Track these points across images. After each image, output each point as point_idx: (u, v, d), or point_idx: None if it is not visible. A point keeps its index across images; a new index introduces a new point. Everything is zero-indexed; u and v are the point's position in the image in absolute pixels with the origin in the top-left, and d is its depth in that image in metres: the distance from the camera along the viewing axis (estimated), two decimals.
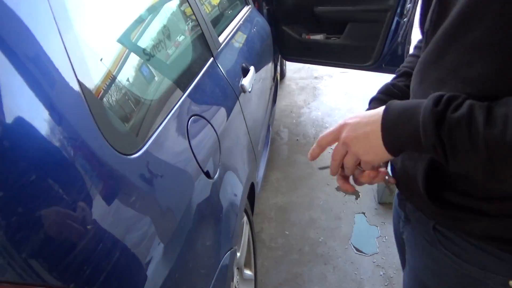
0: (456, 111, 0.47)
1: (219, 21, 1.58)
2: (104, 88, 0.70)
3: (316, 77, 3.82)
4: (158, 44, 0.98)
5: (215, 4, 1.68)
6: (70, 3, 0.65)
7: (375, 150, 0.56)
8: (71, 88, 0.59)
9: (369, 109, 0.75)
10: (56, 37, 0.59)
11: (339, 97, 3.29)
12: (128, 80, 0.80)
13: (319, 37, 2.61)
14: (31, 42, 0.55)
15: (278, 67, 2.90)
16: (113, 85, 0.74)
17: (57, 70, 0.57)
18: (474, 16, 0.48)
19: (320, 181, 2.29)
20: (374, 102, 0.77)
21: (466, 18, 0.49)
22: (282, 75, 3.73)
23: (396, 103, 0.54)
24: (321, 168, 0.76)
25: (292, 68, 4.00)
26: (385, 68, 2.33)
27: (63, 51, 0.59)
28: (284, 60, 3.47)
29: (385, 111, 0.54)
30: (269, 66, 2.13)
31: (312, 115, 3.13)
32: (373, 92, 0.79)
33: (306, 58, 2.78)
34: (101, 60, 0.72)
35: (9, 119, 0.48)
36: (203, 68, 1.13)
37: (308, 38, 2.63)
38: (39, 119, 0.52)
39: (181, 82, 0.99)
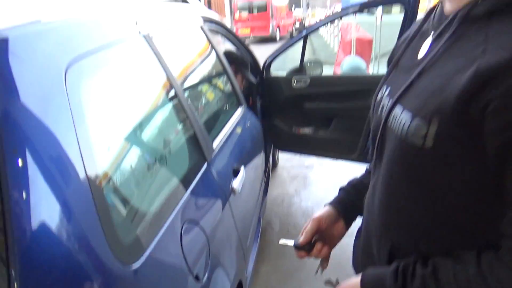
0: (412, 282, 0.61)
1: (214, 126, 1.76)
2: (112, 200, 0.83)
3: (307, 166, 3.99)
4: (158, 155, 1.13)
5: (212, 109, 1.87)
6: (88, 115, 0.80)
7: None
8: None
9: (337, 195, 0.94)
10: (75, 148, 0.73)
11: (329, 187, 3.43)
12: (132, 190, 0.93)
13: (308, 130, 2.83)
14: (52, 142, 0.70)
15: (271, 158, 3.07)
16: (121, 196, 0.87)
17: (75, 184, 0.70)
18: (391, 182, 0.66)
19: (310, 274, 2.31)
20: (341, 191, 0.94)
21: (388, 182, 0.65)
22: (275, 164, 3.90)
23: (368, 279, 0.69)
24: (283, 243, 0.89)
25: (285, 157, 4.19)
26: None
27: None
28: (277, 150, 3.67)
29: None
30: (260, 163, 2.28)
31: (302, 205, 3.23)
32: None
33: (296, 149, 2.98)
34: (110, 178, 0.85)
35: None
36: (197, 175, 1.26)
37: (298, 131, 2.85)
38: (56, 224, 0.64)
39: (178, 190, 1.11)
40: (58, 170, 0.71)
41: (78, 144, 0.77)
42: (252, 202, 1.92)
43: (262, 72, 2.87)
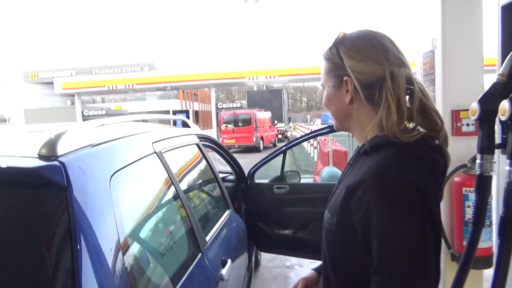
0: None
1: (207, 224, 2.09)
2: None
3: (288, 266, 4.18)
4: (165, 243, 1.45)
5: (205, 210, 2.23)
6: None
7: None
8: None
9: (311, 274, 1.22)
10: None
11: None
12: (147, 269, 1.23)
13: (287, 232, 3.14)
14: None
15: (253, 257, 3.31)
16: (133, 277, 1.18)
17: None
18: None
19: None
20: (314, 269, 1.23)
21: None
22: (257, 264, 4.09)
23: None
24: None
25: (267, 257, 4.39)
26: None
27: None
28: (259, 251, 3.91)
29: None
30: (244, 258, 2.56)
31: None
32: None
33: (278, 249, 3.26)
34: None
35: None
36: (193, 262, 1.56)
37: (278, 233, 3.16)
38: None
39: (176, 277, 1.40)
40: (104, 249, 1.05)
41: (117, 232, 1.12)
42: None
43: (246, 179, 3.30)
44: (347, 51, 0.94)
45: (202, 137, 2.67)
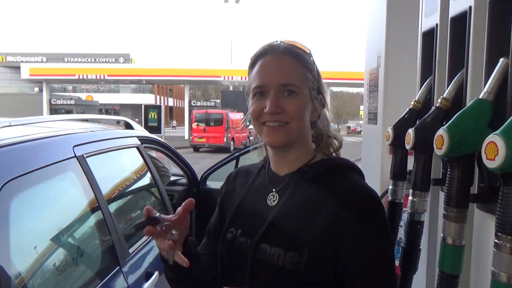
0: None
1: (137, 232, 1.99)
2: None
3: None
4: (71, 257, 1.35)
5: (135, 219, 2.13)
6: None
7: None
8: None
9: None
10: None
11: None
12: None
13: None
14: None
15: None
16: None
17: None
18: None
19: None
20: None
21: None
22: None
23: None
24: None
25: None
26: None
27: None
28: None
29: None
30: None
31: None
32: None
33: None
34: None
35: None
36: (106, 277, 1.47)
37: None
38: None
39: None
40: None
41: None
42: None
43: (198, 183, 3.22)
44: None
45: (146, 140, 2.57)
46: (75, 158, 1.56)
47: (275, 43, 0.90)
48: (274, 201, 0.90)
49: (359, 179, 0.89)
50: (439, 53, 1.06)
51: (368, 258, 0.79)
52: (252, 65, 0.90)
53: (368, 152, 2.24)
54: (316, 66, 0.91)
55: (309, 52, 0.91)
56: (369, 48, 2.22)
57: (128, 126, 2.58)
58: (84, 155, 1.63)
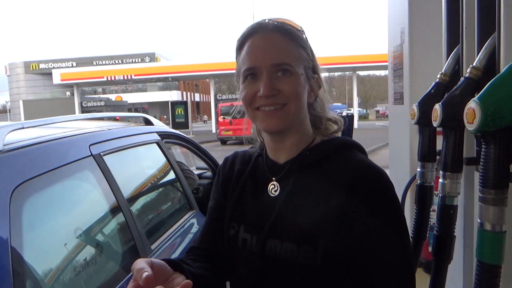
0: None
1: (160, 228, 1.97)
2: None
3: None
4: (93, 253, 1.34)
5: (158, 216, 2.11)
6: None
7: None
8: None
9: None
10: None
11: None
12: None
13: None
14: None
15: None
16: None
17: None
18: None
19: None
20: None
21: None
22: None
23: None
24: None
25: None
26: None
27: None
28: None
29: None
30: None
31: None
32: None
33: None
34: None
35: None
36: (128, 274, 1.45)
37: None
38: None
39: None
40: None
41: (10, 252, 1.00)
42: None
43: None
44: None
45: (166, 135, 2.55)
46: (91, 157, 1.54)
47: (264, 21, 0.82)
48: (275, 191, 0.83)
49: (364, 157, 0.82)
50: (466, 17, 0.94)
51: (380, 240, 0.73)
52: (240, 47, 0.83)
53: (395, 134, 2.12)
54: (309, 43, 0.84)
55: (301, 29, 0.84)
56: (391, 25, 2.09)
57: (147, 122, 2.56)
58: (101, 154, 1.61)
